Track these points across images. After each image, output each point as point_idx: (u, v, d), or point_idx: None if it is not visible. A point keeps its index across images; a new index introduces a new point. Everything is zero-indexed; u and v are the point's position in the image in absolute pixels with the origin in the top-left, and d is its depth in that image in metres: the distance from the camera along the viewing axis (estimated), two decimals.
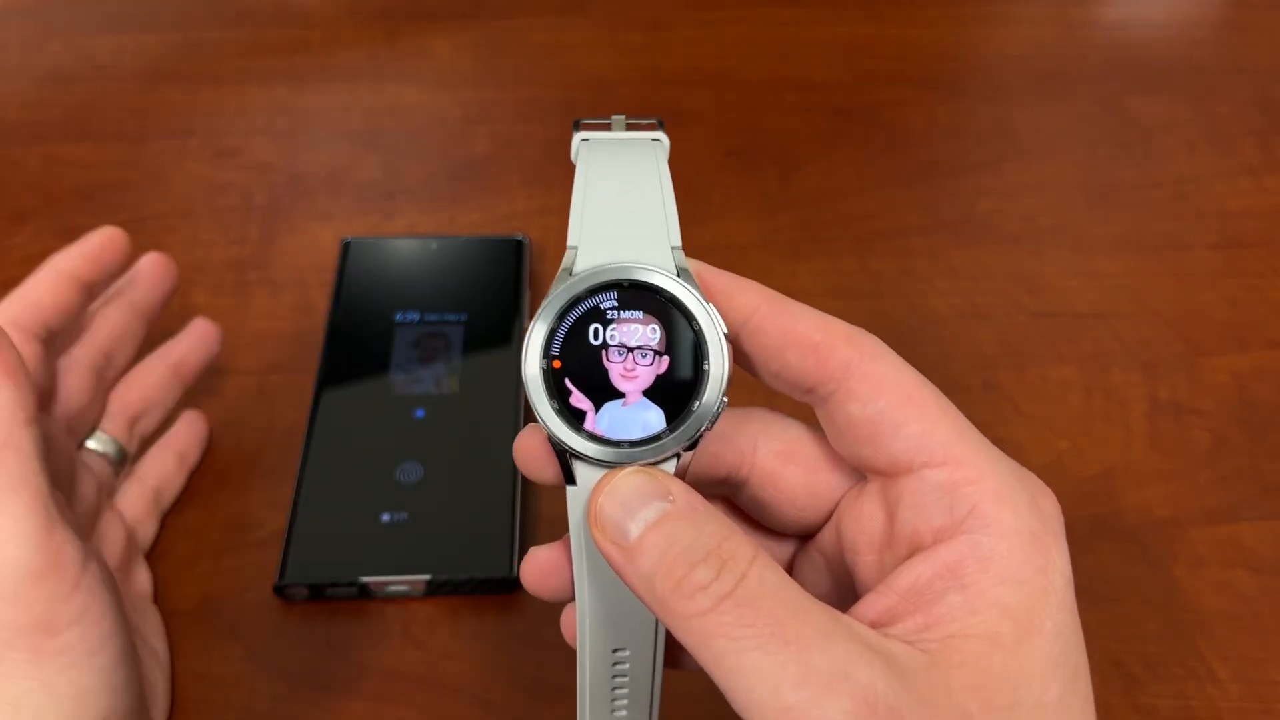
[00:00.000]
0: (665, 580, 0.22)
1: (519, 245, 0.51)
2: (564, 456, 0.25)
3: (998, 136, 0.61)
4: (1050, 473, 0.47)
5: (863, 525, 0.26)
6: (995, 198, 0.57)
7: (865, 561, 0.26)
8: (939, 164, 0.59)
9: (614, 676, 0.27)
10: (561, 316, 0.25)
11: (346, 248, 0.51)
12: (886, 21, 0.68)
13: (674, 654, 0.28)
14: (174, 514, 0.43)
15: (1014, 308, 0.51)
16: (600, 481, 0.24)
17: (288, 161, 0.58)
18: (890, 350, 0.25)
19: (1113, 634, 0.40)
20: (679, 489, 0.23)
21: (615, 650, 0.27)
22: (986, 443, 0.25)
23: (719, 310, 0.25)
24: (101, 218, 0.54)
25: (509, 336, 0.47)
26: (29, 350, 0.36)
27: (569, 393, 0.25)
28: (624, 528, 0.23)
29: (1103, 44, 0.67)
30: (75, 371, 0.39)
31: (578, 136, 0.28)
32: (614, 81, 0.63)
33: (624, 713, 0.28)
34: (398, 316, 0.48)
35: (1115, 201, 0.57)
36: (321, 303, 0.50)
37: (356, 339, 0.47)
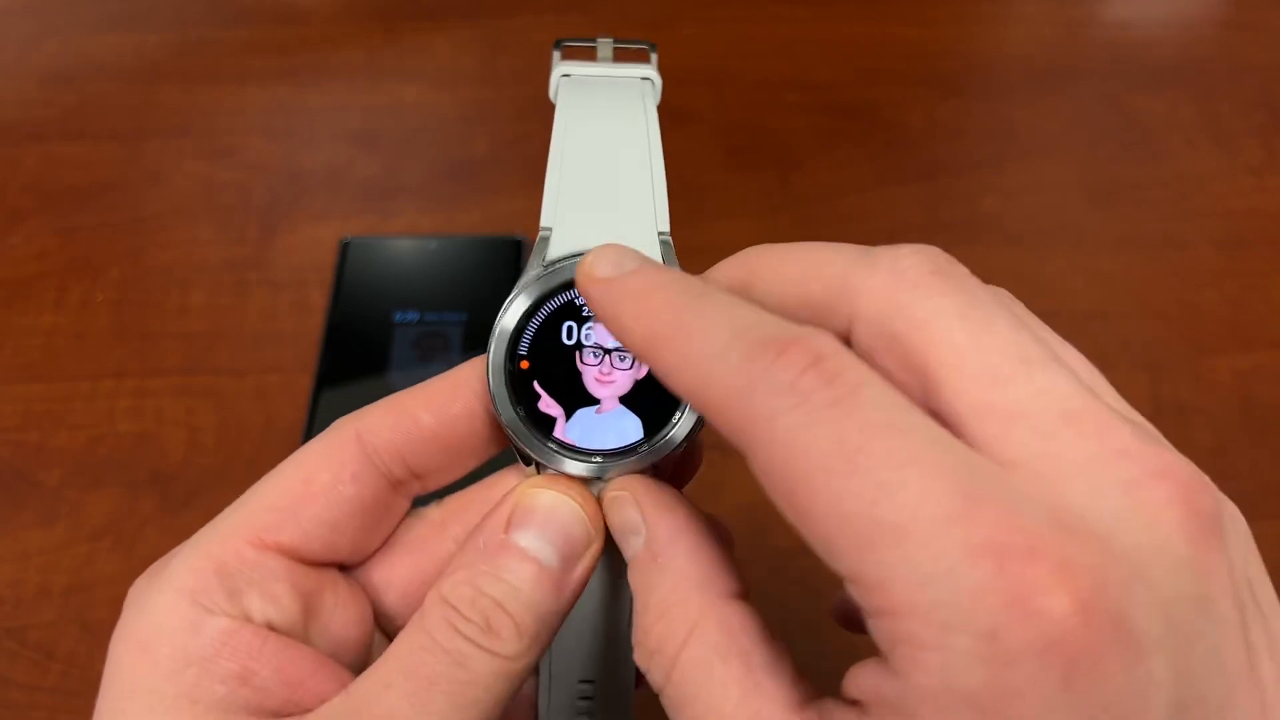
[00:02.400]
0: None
1: (518, 245, 0.51)
2: (525, 457, 0.23)
3: (999, 135, 0.60)
4: None
5: None
6: (997, 197, 0.57)
7: None
8: (940, 163, 0.59)
9: (578, 715, 0.25)
10: (531, 313, 0.23)
11: (345, 247, 0.51)
12: (887, 20, 0.68)
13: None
14: (173, 515, 0.43)
15: None
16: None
17: (286, 161, 0.58)
18: (808, 379, 0.17)
19: None
20: (651, 518, 0.21)
21: (581, 681, 0.25)
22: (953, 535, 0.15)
23: None
24: (99, 217, 0.54)
25: None
26: None
27: (537, 396, 0.22)
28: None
29: (1104, 43, 0.67)
30: None
31: (558, 70, 0.25)
32: None
33: None
34: (397, 316, 0.48)
35: (1117, 201, 0.57)
36: (320, 302, 0.50)
37: (355, 339, 0.47)
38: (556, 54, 0.25)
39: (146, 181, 0.57)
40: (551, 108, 0.26)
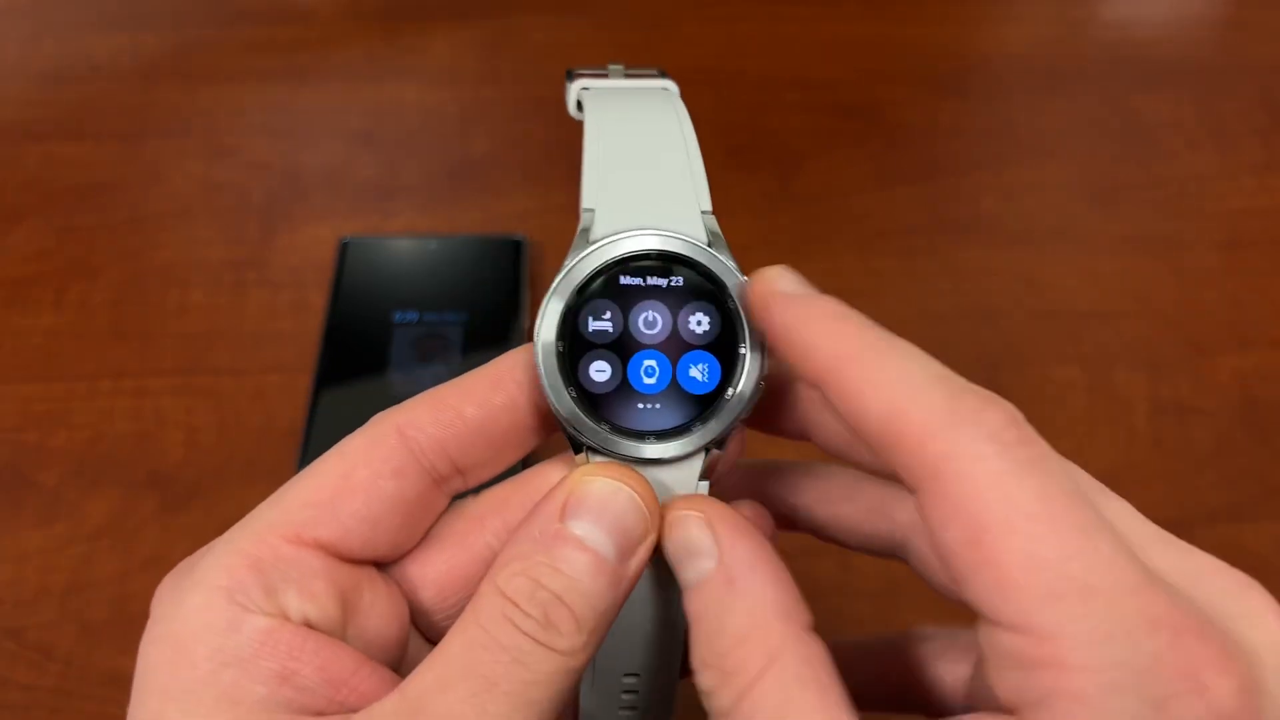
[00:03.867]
0: None
1: (518, 245, 0.51)
2: (575, 440, 0.22)
3: (1000, 135, 0.60)
4: None
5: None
6: (997, 197, 0.57)
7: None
8: (941, 163, 0.59)
9: (622, 709, 0.25)
10: (580, 291, 0.22)
11: (345, 247, 0.51)
12: (888, 20, 0.68)
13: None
14: (172, 515, 0.43)
15: (1016, 307, 0.50)
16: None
17: (286, 161, 0.58)
18: (1011, 432, 0.18)
19: None
20: (728, 542, 0.21)
21: (625, 676, 0.24)
22: (1119, 605, 0.16)
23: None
24: (98, 217, 0.54)
25: (508, 336, 0.47)
26: None
27: (587, 377, 0.22)
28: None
29: (1105, 42, 0.67)
30: None
31: (575, 85, 0.25)
32: None
33: None
34: (396, 316, 0.47)
35: (1118, 200, 0.57)
36: (320, 302, 0.50)
37: (355, 339, 0.47)
38: (569, 80, 0.25)
39: (146, 181, 0.57)
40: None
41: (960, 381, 0.19)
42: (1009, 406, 0.18)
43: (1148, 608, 0.16)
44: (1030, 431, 0.18)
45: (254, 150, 0.58)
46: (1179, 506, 0.43)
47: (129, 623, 0.40)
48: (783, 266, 0.21)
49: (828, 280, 0.60)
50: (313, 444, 0.43)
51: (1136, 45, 0.66)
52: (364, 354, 0.46)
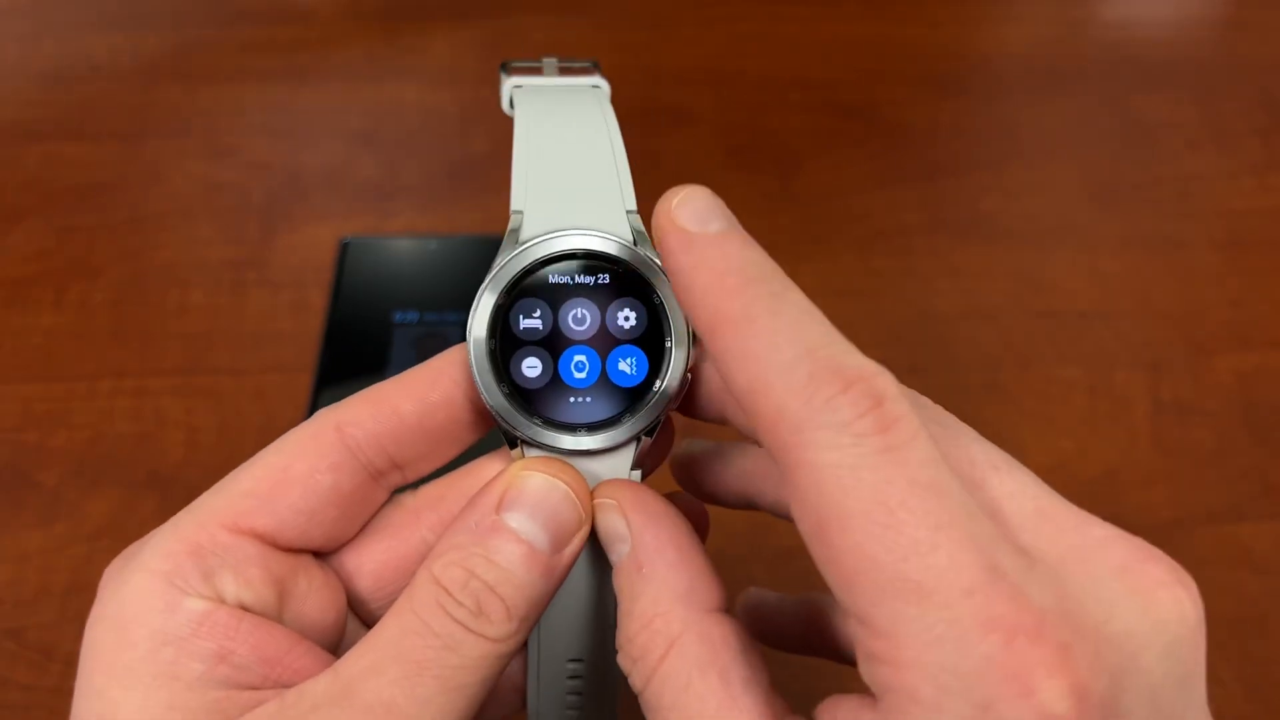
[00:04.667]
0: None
1: None
2: (509, 435, 0.23)
3: (1000, 135, 0.60)
4: (1053, 473, 0.46)
5: None
6: (997, 197, 0.57)
7: None
8: (941, 163, 0.59)
9: (568, 694, 0.25)
10: (510, 290, 0.23)
11: (345, 247, 0.51)
12: (888, 20, 0.68)
13: None
14: (172, 514, 0.43)
15: (1017, 307, 0.50)
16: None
17: (286, 160, 0.58)
18: (866, 421, 0.17)
19: None
20: (637, 528, 0.21)
21: (570, 660, 0.25)
22: (959, 609, 0.16)
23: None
24: (98, 217, 0.54)
25: None
26: None
27: (519, 372, 0.23)
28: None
29: (1105, 42, 0.67)
30: None
31: (508, 82, 0.25)
32: (614, 80, 0.62)
33: None
34: (396, 316, 0.47)
35: (1118, 200, 0.57)
36: (320, 302, 0.50)
37: (355, 339, 0.47)
38: (503, 74, 0.26)
39: (146, 181, 0.57)
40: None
41: (830, 356, 0.17)
42: (876, 387, 0.17)
43: (983, 609, 0.16)
44: (894, 414, 0.17)
45: (254, 150, 0.58)
46: (1179, 506, 0.43)
47: None
48: (689, 187, 0.20)
49: (828, 280, 0.60)
50: None
51: (1136, 45, 0.66)
52: (364, 354, 0.46)
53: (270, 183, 0.56)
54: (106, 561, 0.43)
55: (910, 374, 0.46)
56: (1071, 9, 0.69)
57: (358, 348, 0.47)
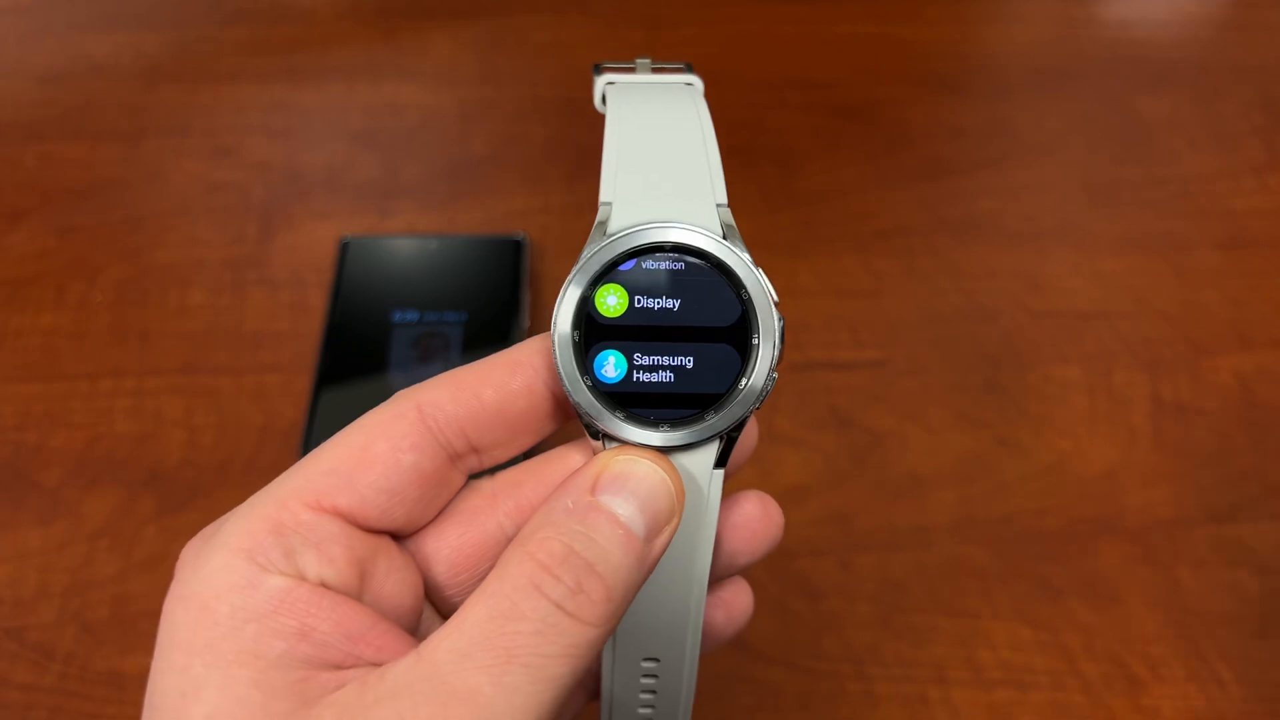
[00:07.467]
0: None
1: (518, 244, 0.51)
2: (591, 427, 0.23)
3: (1000, 135, 0.60)
4: (1053, 473, 0.46)
5: None
6: (997, 197, 0.57)
7: None
8: (941, 163, 0.59)
9: (642, 692, 0.25)
10: (595, 282, 0.22)
11: (345, 247, 0.51)
12: (888, 19, 0.68)
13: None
14: (173, 515, 0.43)
15: (1017, 307, 0.50)
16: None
17: (286, 160, 0.58)
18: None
19: (1115, 635, 0.40)
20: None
21: (645, 660, 0.24)
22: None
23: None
24: (98, 217, 0.54)
25: (508, 336, 0.47)
26: None
27: (603, 366, 0.22)
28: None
29: (1105, 42, 0.67)
30: None
31: (601, 80, 0.25)
32: None
33: None
34: (396, 316, 0.47)
35: (1118, 200, 0.57)
36: (320, 302, 0.50)
37: (355, 338, 0.47)
38: (596, 74, 0.26)
39: (146, 181, 0.57)
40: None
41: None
42: None
43: None
44: None
45: (254, 150, 0.58)
46: (1179, 506, 0.43)
47: (129, 623, 0.40)
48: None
49: (828, 280, 0.60)
50: (313, 444, 0.43)
51: (1136, 45, 0.66)
52: (364, 354, 0.46)
53: (270, 182, 0.56)
54: (106, 561, 0.43)
55: (910, 374, 0.46)
56: (1071, 9, 0.69)
57: (357, 347, 0.47)
